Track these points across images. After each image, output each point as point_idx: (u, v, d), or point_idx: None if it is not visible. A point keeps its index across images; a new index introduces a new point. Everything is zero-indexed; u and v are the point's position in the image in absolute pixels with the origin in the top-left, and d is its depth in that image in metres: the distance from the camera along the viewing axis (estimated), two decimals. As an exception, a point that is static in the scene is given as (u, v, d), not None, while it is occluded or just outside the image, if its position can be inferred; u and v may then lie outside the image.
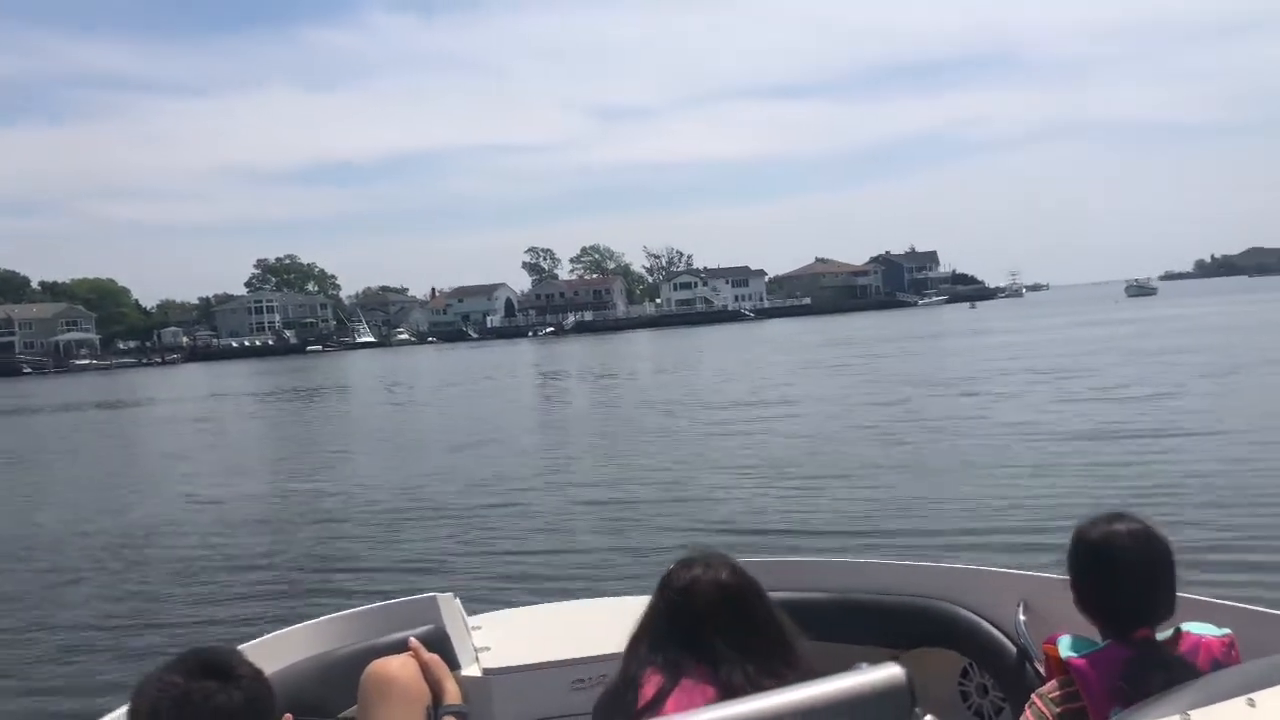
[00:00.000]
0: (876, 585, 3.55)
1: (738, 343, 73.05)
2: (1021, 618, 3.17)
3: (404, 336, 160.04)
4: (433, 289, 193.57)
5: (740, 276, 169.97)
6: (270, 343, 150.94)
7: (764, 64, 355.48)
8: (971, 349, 43.83)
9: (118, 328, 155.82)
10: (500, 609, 4.10)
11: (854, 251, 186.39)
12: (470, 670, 3.36)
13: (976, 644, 3.33)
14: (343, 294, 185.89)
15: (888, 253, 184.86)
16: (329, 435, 28.36)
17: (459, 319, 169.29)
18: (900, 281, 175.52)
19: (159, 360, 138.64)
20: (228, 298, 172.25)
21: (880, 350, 48.46)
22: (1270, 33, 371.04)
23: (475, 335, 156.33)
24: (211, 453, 25.79)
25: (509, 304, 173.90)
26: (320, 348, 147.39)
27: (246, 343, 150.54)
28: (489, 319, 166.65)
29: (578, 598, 4.44)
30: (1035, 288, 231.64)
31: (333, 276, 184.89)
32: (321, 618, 3.42)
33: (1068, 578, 2.42)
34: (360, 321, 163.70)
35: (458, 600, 3.59)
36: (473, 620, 3.67)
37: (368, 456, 21.82)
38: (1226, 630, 2.31)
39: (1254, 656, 2.25)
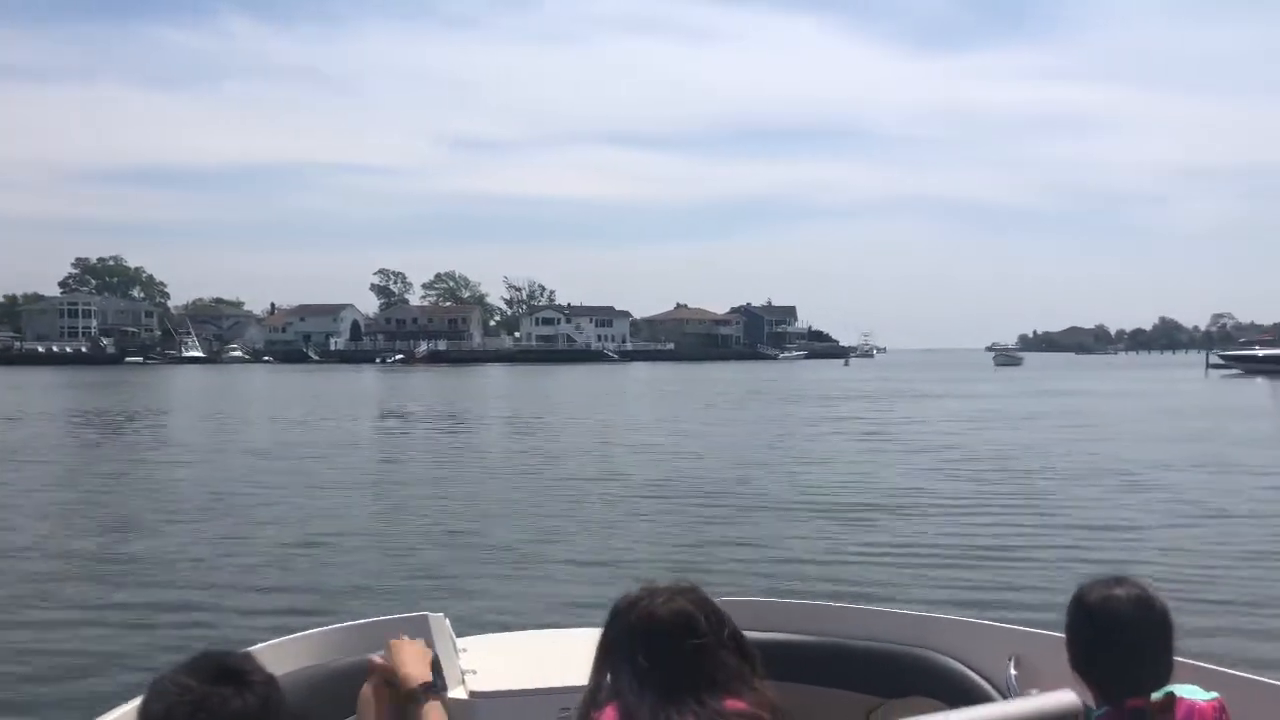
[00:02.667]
0: (864, 631, 3.42)
1: (628, 387, 64.59)
2: (1013, 673, 3.05)
3: (237, 353, 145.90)
4: (272, 304, 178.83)
5: (605, 316, 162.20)
6: (84, 350, 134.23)
7: (618, 113, 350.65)
8: (982, 414, 36.58)
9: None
10: (490, 633, 3.96)
11: (711, 301, 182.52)
12: (456, 692, 3.25)
13: (965, 696, 3.10)
14: (171, 303, 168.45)
15: (749, 305, 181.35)
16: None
17: (299, 339, 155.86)
18: (760, 333, 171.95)
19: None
20: (38, 298, 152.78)
21: (859, 410, 40.66)
22: (1085, 133, 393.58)
23: (316, 357, 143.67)
24: None
25: (355, 326, 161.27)
26: (141, 359, 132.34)
27: (55, 348, 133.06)
28: (333, 341, 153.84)
29: (568, 627, 4.09)
30: (878, 350, 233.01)
31: (161, 283, 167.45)
32: (311, 630, 3.34)
33: (1062, 636, 2.37)
34: (189, 334, 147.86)
35: (447, 621, 3.46)
36: (461, 642, 3.55)
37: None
38: (1215, 694, 2.27)
39: None
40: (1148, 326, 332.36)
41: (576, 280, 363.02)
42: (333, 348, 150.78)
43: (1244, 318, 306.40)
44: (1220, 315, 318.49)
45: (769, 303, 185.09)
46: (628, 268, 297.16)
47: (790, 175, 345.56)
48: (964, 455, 22.51)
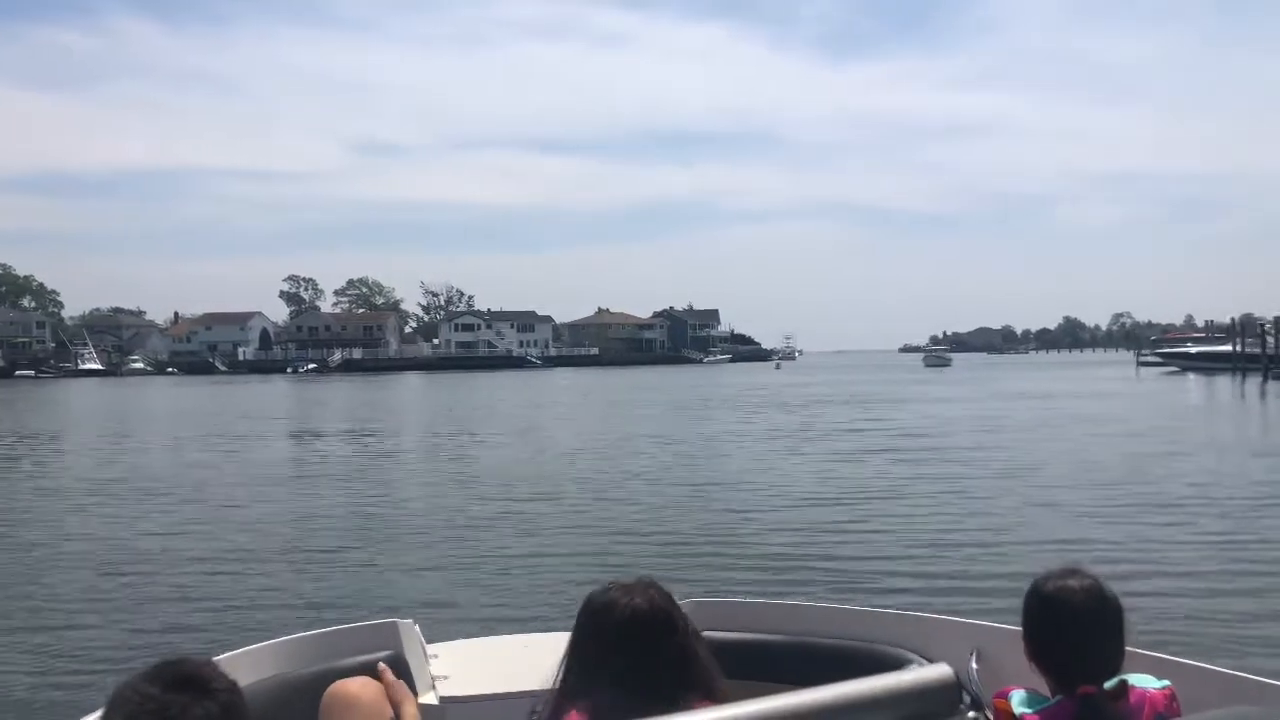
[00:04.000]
0: (829, 629, 3.44)
1: (561, 394, 60.54)
2: (974, 666, 3.04)
3: (139, 365, 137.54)
4: (175, 314, 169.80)
5: (526, 321, 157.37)
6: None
7: (527, 117, 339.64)
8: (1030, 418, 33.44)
9: None
10: (459, 639, 3.92)
11: (631, 305, 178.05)
12: (427, 698, 3.25)
13: None
14: (66, 314, 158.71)
15: (671, 308, 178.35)
16: None
17: (205, 349, 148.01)
18: (684, 337, 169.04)
19: None
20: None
21: (873, 414, 37.22)
22: (987, 139, 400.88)
23: (224, 368, 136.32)
24: None
25: (265, 335, 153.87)
26: (33, 373, 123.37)
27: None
28: (241, 350, 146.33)
29: (537, 630, 4.11)
30: (798, 352, 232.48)
31: (54, 292, 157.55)
32: (279, 638, 3.26)
33: (1020, 629, 2.42)
34: (86, 345, 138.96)
35: (417, 627, 3.45)
36: (431, 648, 3.54)
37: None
38: (1166, 682, 2.32)
39: (1190, 710, 2.28)
40: (1052, 326, 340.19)
41: (495, 286, 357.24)
42: (241, 358, 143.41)
43: (1141, 316, 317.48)
44: (1120, 314, 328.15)
45: (690, 306, 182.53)
46: (545, 273, 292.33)
47: (703, 180, 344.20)
48: (1011, 471, 19.17)
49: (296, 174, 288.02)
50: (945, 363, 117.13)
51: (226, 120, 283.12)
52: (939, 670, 2.00)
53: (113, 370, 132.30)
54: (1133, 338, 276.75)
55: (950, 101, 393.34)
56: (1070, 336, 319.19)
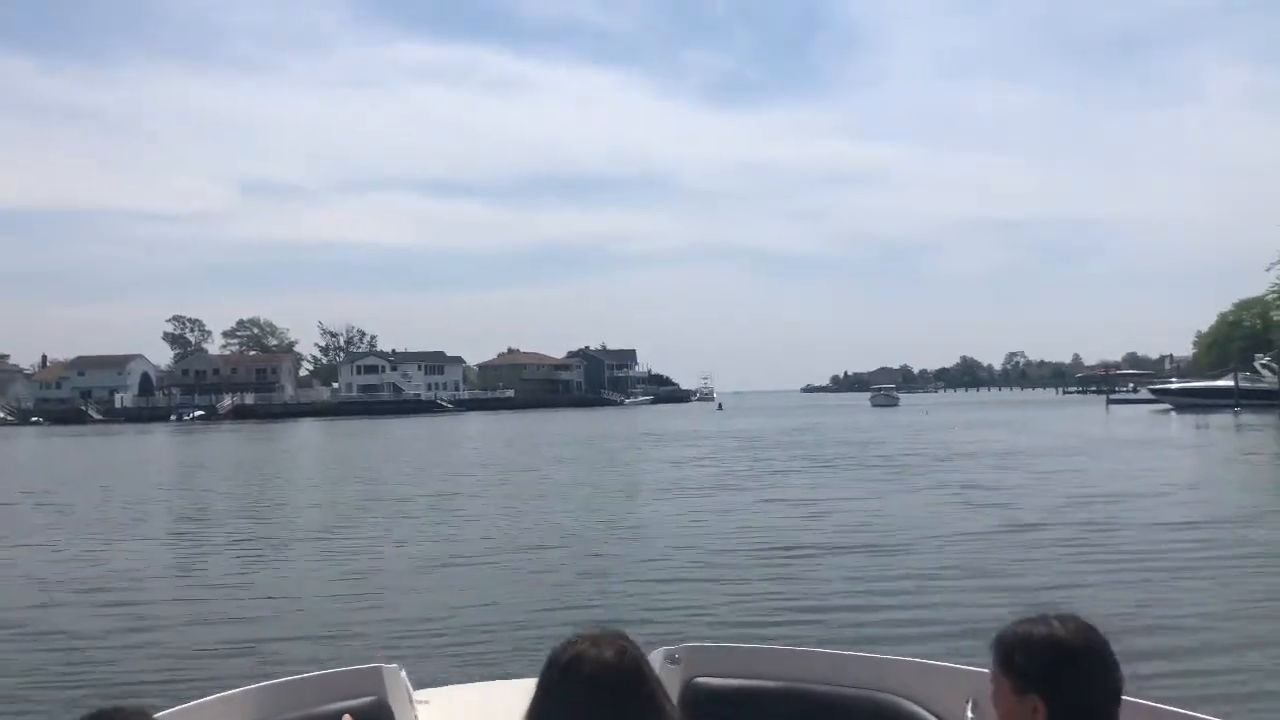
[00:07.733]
0: (823, 675, 3.32)
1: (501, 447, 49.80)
2: (970, 715, 2.95)
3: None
4: (44, 357, 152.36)
5: (435, 362, 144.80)
6: None
7: (417, 160, 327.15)
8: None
9: None
10: (446, 685, 3.75)
11: (542, 347, 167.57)
12: None
13: None
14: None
15: (587, 348, 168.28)
16: None
17: (78, 395, 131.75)
18: (601, 378, 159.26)
19: None
20: None
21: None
22: (871, 186, 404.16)
23: (99, 416, 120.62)
24: None
25: (146, 379, 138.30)
26: None
27: None
28: (119, 397, 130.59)
29: (525, 677, 3.55)
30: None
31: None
32: (259, 684, 3.11)
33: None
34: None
35: (403, 672, 3.32)
36: (418, 694, 3.39)
37: None
38: None
39: None
40: (949, 365, 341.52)
41: (397, 327, 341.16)
42: (119, 405, 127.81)
43: (1032, 356, 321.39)
44: (1014, 354, 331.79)
45: (603, 346, 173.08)
46: (449, 314, 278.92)
47: (600, 225, 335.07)
48: None
49: (182, 214, 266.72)
50: (893, 402, 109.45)
51: (107, 158, 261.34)
52: None
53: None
54: (1027, 377, 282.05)
55: (835, 151, 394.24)
56: (969, 376, 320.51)
